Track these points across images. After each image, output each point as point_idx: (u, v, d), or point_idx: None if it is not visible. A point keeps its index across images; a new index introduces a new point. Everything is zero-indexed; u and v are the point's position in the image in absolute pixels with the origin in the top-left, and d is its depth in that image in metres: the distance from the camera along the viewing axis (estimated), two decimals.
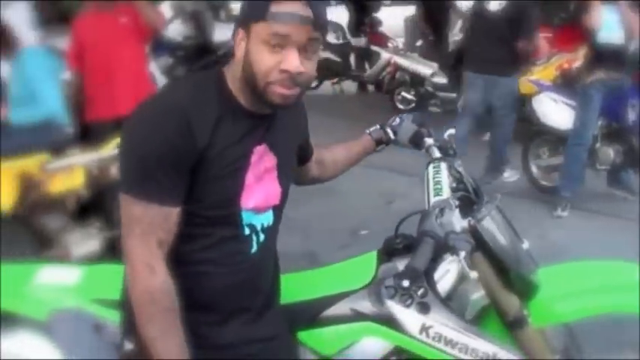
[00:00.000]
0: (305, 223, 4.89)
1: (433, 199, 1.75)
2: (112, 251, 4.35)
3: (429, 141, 2.05)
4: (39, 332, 1.88)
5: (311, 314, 1.80)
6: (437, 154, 2.00)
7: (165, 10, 10.91)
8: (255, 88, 1.46)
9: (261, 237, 1.58)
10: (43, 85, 4.05)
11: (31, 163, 3.86)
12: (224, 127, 1.47)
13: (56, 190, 4.07)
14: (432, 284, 1.76)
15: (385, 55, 9.19)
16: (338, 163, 2.05)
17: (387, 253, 1.86)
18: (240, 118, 1.50)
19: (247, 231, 1.55)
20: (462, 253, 1.59)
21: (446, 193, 1.76)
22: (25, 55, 4.15)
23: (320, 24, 1.44)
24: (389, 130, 2.08)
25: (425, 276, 1.72)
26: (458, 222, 1.69)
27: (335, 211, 5.19)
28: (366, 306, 1.78)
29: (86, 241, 4.13)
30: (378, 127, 2.10)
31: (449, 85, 8.18)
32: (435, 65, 8.43)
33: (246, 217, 1.54)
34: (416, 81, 8.67)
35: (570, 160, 5.19)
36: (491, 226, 1.77)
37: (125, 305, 1.56)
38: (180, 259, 1.48)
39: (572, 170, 5.20)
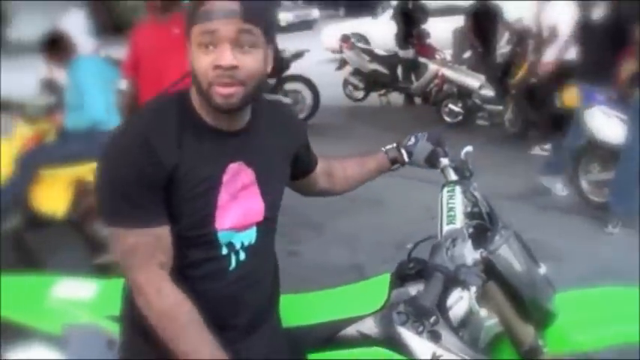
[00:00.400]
0: (352, 235, 4.90)
1: (446, 228, 1.72)
2: None
3: (444, 161, 2.00)
4: (53, 346, 1.90)
5: (322, 336, 1.79)
6: (452, 176, 1.95)
7: None
8: (202, 95, 1.46)
9: (241, 255, 1.57)
10: (91, 92, 4.14)
11: (84, 169, 3.94)
12: (189, 147, 1.47)
13: None
14: (443, 312, 1.72)
15: (433, 67, 9.15)
16: (349, 177, 2.00)
17: (400, 277, 1.83)
18: (207, 137, 1.50)
19: (225, 250, 1.54)
20: (473, 288, 1.56)
21: (459, 221, 1.73)
22: (80, 62, 4.25)
23: (251, 15, 1.42)
24: (403, 152, 2.02)
25: (437, 304, 1.68)
26: (470, 254, 1.66)
27: (381, 224, 5.18)
28: (377, 331, 1.76)
29: None
30: (394, 145, 2.05)
31: (496, 98, 8.11)
32: (483, 78, 8.35)
33: (224, 237, 1.53)
34: (463, 93, 8.61)
35: (622, 175, 5.09)
36: (506, 254, 1.73)
37: (124, 321, 1.61)
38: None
39: (624, 186, 5.09)
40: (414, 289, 1.75)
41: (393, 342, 1.73)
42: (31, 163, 4.10)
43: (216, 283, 1.54)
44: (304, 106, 9.18)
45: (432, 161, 2.01)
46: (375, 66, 10.03)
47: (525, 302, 1.73)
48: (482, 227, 1.84)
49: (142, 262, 1.44)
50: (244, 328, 1.60)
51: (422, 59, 9.46)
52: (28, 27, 18.43)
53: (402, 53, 9.97)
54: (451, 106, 8.73)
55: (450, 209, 1.77)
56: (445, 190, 1.87)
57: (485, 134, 8.17)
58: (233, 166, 1.52)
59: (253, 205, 1.57)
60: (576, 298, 1.93)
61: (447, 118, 8.76)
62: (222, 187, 1.50)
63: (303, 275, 3.75)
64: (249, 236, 1.57)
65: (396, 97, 10.36)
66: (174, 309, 1.44)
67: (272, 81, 9.02)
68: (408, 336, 1.71)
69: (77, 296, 1.93)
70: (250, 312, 1.61)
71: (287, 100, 9.02)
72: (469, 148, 2.02)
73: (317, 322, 1.80)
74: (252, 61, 1.44)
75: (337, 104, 10.04)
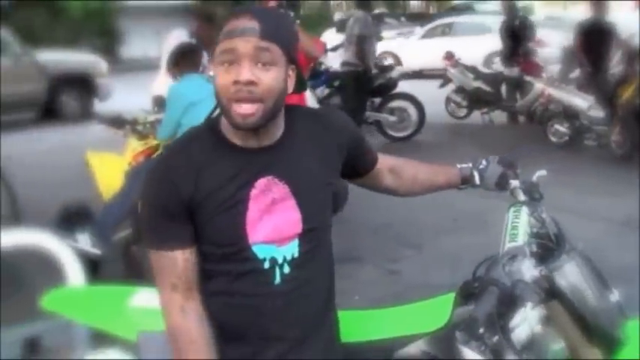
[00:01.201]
0: (453, 255, 4.90)
1: (507, 245, 1.71)
2: None
3: (514, 183, 1.98)
4: (129, 353, 2.00)
5: (384, 353, 1.79)
6: (521, 196, 1.94)
7: (331, 36, 11.19)
8: (224, 114, 1.54)
9: (286, 269, 1.59)
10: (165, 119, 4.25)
11: None
12: (209, 171, 1.56)
13: None
14: (506, 332, 1.67)
15: (538, 86, 8.96)
16: (418, 181, 1.99)
17: (464, 296, 1.80)
18: (232, 157, 1.57)
19: (267, 265, 1.57)
20: (529, 305, 1.54)
21: (522, 239, 1.72)
22: (184, 80, 4.31)
23: (269, 33, 1.49)
24: (475, 174, 2.00)
25: (500, 324, 1.66)
26: (528, 271, 1.64)
27: (484, 245, 5.12)
28: (439, 349, 1.75)
29: None
30: (469, 165, 2.03)
31: (605, 119, 7.88)
32: (591, 99, 8.11)
33: (263, 251, 1.57)
34: (570, 113, 8.39)
35: None
36: (570, 274, 1.70)
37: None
38: (207, 293, 1.60)
39: None
40: (481, 307, 1.72)
41: None
42: (141, 178, 4.28)
43: (261, 298, 1.58)
44: (410, 124, 9.21)
45: (502, 184, 1.99)
46: (478, 84, 9.94)
47: (590, 325, 1.69)
48: (548, 248, 1.82)
49: (160, 282, 1.58)
50: (294, 340, 1.61)
51: (527, 77, 9.29)
52: (140, 46, 19.32)
53: (506, 71, 9.81)
54: (557, 126, 8.53)
55: (514, 227, 1.77)
56: (512, 209, 1.87)
57: (592, 155, 7.95)
58: (262, 181, 1.57)
59: (289, 218, 1.59)
60: None
61: (553, 138, 8.56)
62: (250, 202, 1.56)
63: (403, 294, 3.79)
64: (292, 249, 1.59)
65: (499, 116, 10.20)
66: (179, 328, 1.55)
67: (378, 99, 9.14)
68: (470, 355, 1.68)
69: (153, 306, 2.05)
70: (300, 324, 1.62)
71: (392, 119, 9.14)
72: (542, 172, 2.02)
73: (377, 339, 1.81)
74: (271, 78, 1.49)
75: (439, 122, 10.00)
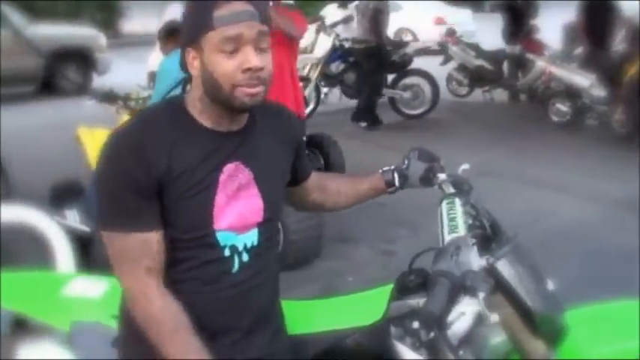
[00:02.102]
0: None
1: (448, 237, 1.66)
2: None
3: (441, 176, 1.89)
4: (62, 343, 1.92)
5: (323, 346, 1.76)
6: (450, 189, 1.87)
7: (332, 11, 11.14)
8: (221, 97, 1.48)
9: (244, 257, 1.56)
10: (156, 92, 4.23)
11: None
12: (181, 151, 1.49)
13: None
14: (442, 328, 1.62)
15: (540, 64, 8.87)
16: (342, 194, 1.95)
17: (400, 289, 1.76)
18: (202, 139, 1.52)
19: (227, 252, 1.55)
20: (481, 294, 1.50)
21: (462, 230, 1.67)
22: (175, 55, 4.32)
23: (265, 17, 1.48)
24: (395, 175, 1.91)
25: (436, 320, 1.61)
26: (475, 261, 1.60)
27: None
28: (373, 344, 1.72)
29: None
30: (392, 167, 1.93)
31: (607, 99, 7.78)
32: (593, 77, 8.02)
33: (224, 238, 1.54)
34: (571, 92, 8.31)
35: None
36: (513, 263, 1.66)
37: (121, 320, 1.63)
38: (167, 281, 1.52)
39: None
40: (414, 302, 1.69)
41: (388, 355, 1.69)
42: None
43: (219, 285, 1.55)
44: (424, 101, 9.15)
45: (428, 179, 1.91)
46: (480, 62, 9.82)
47: (534, 315, 1.65)
48: (486, 238, 1.78)
49: (129, 267, 1.48)
50: (246, 329, 1.60)
51: (529, 55, 9.19)
52: (141, 21, 19.18)
53: (508, 49, 9.72)
54: (558, 105, 8.44)
55: (452, 219, 1.72)
56: (444, 202, 1.81)
57: (593, 135, 7.88)
58: (230, 167, 1.54)
59: (252, 206, 1.58)
60: (589, 313, 1.85)
61: (555, 118, 8.49)
62: (218, 187, 1.52)
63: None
64: (251, 238, 1.58)
65: (501, 94, 10.12)
66: (161, 314, 1.47)
67: (392, 75, 9.06)
68: (404, 351, 1.66)
69: (87, 294, 1.95)
70: (253, 314, 1.60)
71: (406, 95, 9.06)
72: (465, 166, 1.95)
73: (319, 331, 1.78)
74: (269, 62, 1.51)
75: (440, 100, 9.91)
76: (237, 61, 1.45)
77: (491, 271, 1.62)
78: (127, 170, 1.45)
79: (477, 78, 9.98)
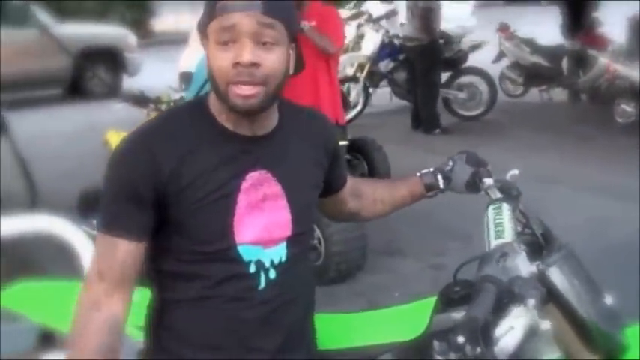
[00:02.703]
0: None
1: (494, 242, 1.64)
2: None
3: (488, 182, 1.88)
4: None
5: None
6: (497, 194, 1.84)
7: (375, 7, 11.15)
8: (220, 96, 1.44)
9: (271, 273, 1.51)
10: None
11: None
12: (197, 154, 1.45)
13: None
14: (488, 343, 1.56)
15: (602, 61, 8.72)
16: (378, 201, 1.92)
17: (445, 301, 1.74)
18: (221, 142, 1.48)
19: (253, 268, 1.50)
20: (531, 302, 1.45)
21: (509, 235, 1.64)
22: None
23: (273, 8, 1.40)
24: (440, 178, 1.90)
25: (483, 334, 1.57)
26: (524, 266, 1.56)
27: None
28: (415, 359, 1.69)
29: None
30: (431, 170, 1.93)
31: None
32: None
33: (248, 253, 1.49)
34: (637, 92, 8.15)
35: None
36: (565, 272, 1.61)
37: (146, 331, 1.62)
38: (184, 298, 1.50)
39: None
40: (458, 315, 1.64)
41: None
42: None
43: (244, 303, 1.50)
44: (480, 101, 9.08)
45: (474, 184, 1.90)
46: (536, 58, 9.71)
47: (590, 328, 1.61)
48: (537, 246, 1.74)
49: (89, 268, 1.49)
50: (275, 350, 1.55)
51: (591, 51, 9.04)
52: (172, 19, 19.40)
53: (568, 44, 9.59)
54: (624, 105, 8.29)
55: (498, 224, 1.69)
56: (491, 207, 1.78)
57: None
58: (254, 175, 1.49)
59: (279, 218, 1.52)
60: None
61: (619, 119, 8.33)
62: (239, 195, 1.47)
63: None
64: (279, 253, 1.52)
65: (559, 93, 9.97)
66: (82, 327, 1.44)
67: (446, 74, 9.00)
68: None
69: None
70: (281, 335, 1.56)
71: (462, 95, 9.01)
72: (514, 172, 1.93)
73: (354, 346, 1.76)
74: (274, 59, 1.42)
75: None
76: (231, 54, 1.40)
77: (541, 278, 1.58)
78: (125, 176, 1.44)
79: (532, 76, 9.86)
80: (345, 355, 1.76)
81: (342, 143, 4.51)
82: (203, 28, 1.46)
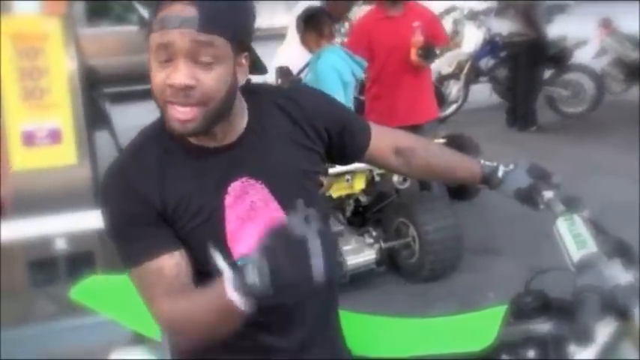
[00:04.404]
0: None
1: (579, 253, 1.54)
2: (388, 262, 4.49)
3: (547, 194, 1.74)
4: (154, 352, 1.90)
5: None
6: (560, 207, 1.70)
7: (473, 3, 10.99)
8: (164, 117, 1.35)
9: None
10: (330, 86, 4.27)
11: None
12: (171, 180, 1.38)
13: (336, 195, 4.29)
14: (561, 357, 1.50)
15: None
16: (430, 170, 1.85)
17: (515, 313, 1.64)
18: (191, 161, 1.40)
19: None
20: (637, 311, 1.38)
21: (592, 245, 1.55)
22: (326, 53, 4.38)
23: (211, 24, 1.27)
24: (497, 175, 1.78)
25: (555, 349, 1.49)
26: (622, 275, 1.47)
27: (634, 237, 4.81)
28: None
29: (362, 251, 4.29)
30: (494, 164, 1.82)
31: None
32: None
33: None
34: None
35: None
36: None
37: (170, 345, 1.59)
38: None
39: None
40: (532, 327, 1.57)
41: None
42: None
43: (257, 313, 1.42)
44: (585, 99, 8.83)
45: (529, 196, 1.75)
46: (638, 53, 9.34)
47: None
48: (619, 254, 1.62)
49: (148, 298, 1.38)
50: (296, 347, 1.52)
51: None
52: (267, 15, 19.63)
53: None
54: None
55: (577, 235, 1.59)
56: (561, 220, 1.66)
57: None
58: (235, 185, 1.43)
59: (273, 221, 1.45)
60: None
61: None
62: (226, 211, 1.41)
63: None
64: None
65: None
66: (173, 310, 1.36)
67: (550, 71, 8.82)
68: None
69: None
70: (301, 332, 1.52)
71: (566, 93, 8.80)
72: (557, 178, 1.79)
73: (411, 356, 1.68)
74: (213, 79, 1.31)
75: None
76: (166, 73, 1.30)
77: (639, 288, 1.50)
78: (124, 208, 1.38)
79: (635, 73, 9.49)
80: None
81: (439, 141, 4.48)
82: (146, 38, 1.36)
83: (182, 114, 1.31)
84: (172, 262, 1.37)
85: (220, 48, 1.31)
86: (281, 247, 1.16)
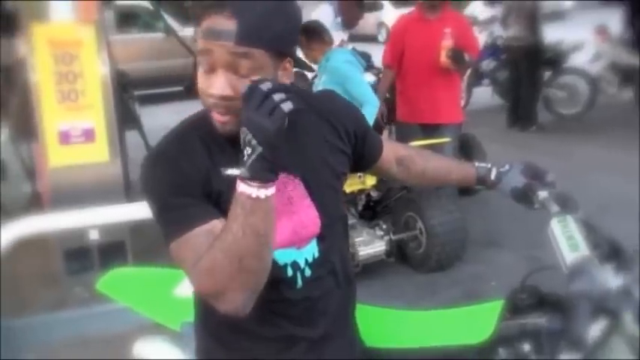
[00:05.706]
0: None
1: (571, 256, 1.50)
2: (397, 253, 4.49)
3: (542, 194, 1.73)
4: (174, 342, 1.89)
5: None
6: (555, 207, 1.69)
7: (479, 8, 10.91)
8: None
9: (307, 272, 1.45)
10: (354, 77, 4.26)
11: None
12: (218, 163, 1.34)
13: (349, 190, 4.29)
14: (555, 353, 1.47)
15: None
16: (427, 176, 1.84)
17: (511, 308, 1.62)
18: (238, 150, 1.27)
19: (290, 272, 1.43)
20: (628, 316, 1.35)
21: (584, 248, 1.51)
22: (337, 53, 4.37)
23: (249, 37, 1.24)
24: (492, 176, 1.79)
25: (548, 343, 1.46)
26: (613, 279, 1.44)
27: (632, 230, 4.78)
28: None
29: (373, 242, 4.29)
30: (488, 166, 1.81)
31: None
32: None
33: (283, 257, 1.41)
34: None
35: None
36: None
37: (197, 326, 1.57)
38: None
39: None
40: (525, 322, 1.55)
41: None
42: None
43: (285, 304, 1.45)
44: (580, 101, 8.79)
45: (524, 196, 1.76)
46: (635, 60, 9.26)
47: None
48: (610, 257, 1.59)
49: (194, 260, 1.27)
50: (318, 337, 1.50)
51: None
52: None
53: None
54: None
55: (569, 237, 1.55)
56: (555, 220, 1.63)
57: None
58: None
59: (307, 218, 1.44)
60: None
61: None
62: None
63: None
64: (311, 250, 1.46)
65: None
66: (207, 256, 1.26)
67: (547, 73, 8.78)
68: None
69: None
70: (323, 322, 1.51)
71: (561, 94, 8.76)
72: (551, 177, 1.78)
73: (409, 347, 1.67)
74: None
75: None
76: (209, 81, 1.29)
77: (630, 292, 1.45)
78: (169, 181, 1.32)
79: (628, 77, 9.41)
80: (404, 355, 1.68)
81: (445, 140, 4.48)
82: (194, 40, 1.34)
83: (222, 118, 1.31)
84: (219, 228, 1.27)
85: (258, 59, 1.28)
86: (253, 106, 1.17)
